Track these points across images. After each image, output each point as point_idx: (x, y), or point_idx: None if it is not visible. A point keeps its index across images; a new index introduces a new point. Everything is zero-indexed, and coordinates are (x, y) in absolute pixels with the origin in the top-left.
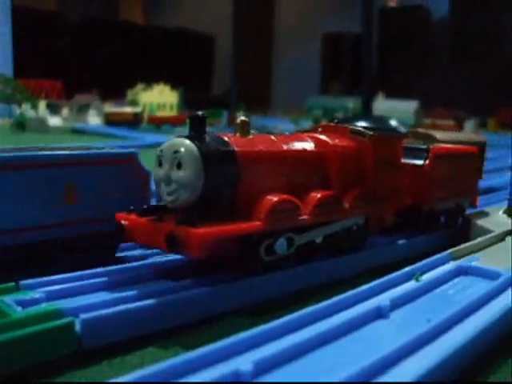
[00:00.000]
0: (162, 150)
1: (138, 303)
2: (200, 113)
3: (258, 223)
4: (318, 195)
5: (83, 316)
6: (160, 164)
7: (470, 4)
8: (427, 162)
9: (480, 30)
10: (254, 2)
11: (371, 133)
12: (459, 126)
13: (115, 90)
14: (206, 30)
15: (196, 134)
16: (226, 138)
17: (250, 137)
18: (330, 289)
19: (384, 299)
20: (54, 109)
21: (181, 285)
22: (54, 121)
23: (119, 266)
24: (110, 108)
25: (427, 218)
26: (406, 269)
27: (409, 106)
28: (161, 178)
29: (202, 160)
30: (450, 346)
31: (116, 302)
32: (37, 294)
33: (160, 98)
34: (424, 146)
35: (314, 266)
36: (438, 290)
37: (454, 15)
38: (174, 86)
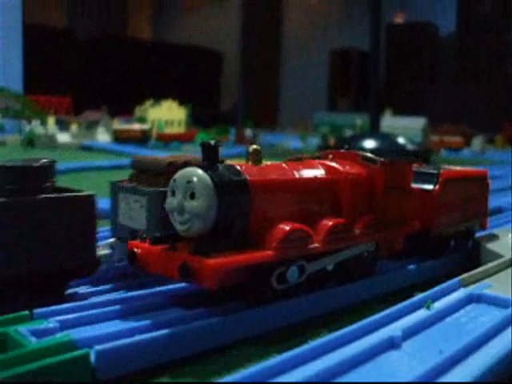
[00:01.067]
0: (175, 180)
1: (153, 333)
2: (212, 142)
3: (270, 252)
4: (330, 223)
5: (98, 347)
6: (173, 193)
7: (478, 21)
8: (437, 186)
9: (487, 47)
10: (262, 18)
11: (382, 159)
12: (466, 143)
13: (124, 107)
14: (214, 47)
15: (209, 164)
16: (238, 167)
17: (262, 165)
18: (342, 316)
19: (396, 329)
20: (62, 125)
21: (193, 313)
22: (63, 137)
23: (132, 293)
24: (119, 125)
25: (436, 243)
26: (417, 297)
27: (417, 123)
28: (174, 208)
29: (215, 190)
30: (463, 379)
31: (130, 332)
32: (51, 324)
33: (168, 114)
34: (434, 171)
35: (325, 294)
36: (449, 319)
37: (462, 32)
38: (182, 103)
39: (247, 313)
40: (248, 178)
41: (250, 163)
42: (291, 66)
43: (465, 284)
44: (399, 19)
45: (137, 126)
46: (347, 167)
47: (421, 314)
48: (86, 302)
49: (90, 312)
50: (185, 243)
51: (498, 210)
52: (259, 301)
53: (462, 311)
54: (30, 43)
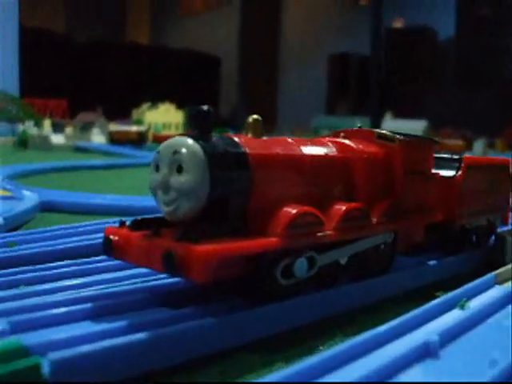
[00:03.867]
0: (159, 152)
1: (127, 337)
2: (204, 107)
3: (273, 240)
4: (344, 207)
5: (53, 356)
6: (157, 168)
7: (477, 25)
8: (459, 172)
9: (486, 51)
10: (260, 23)
11: (401, 137)
12: (467, 146)
13: (121, 110)
14: (212, 51)
15: (200, 133)
16: (236, 139)
17: (264, 138)
18: (357, 317)
19: (430, 333)
20: (58, 128)
21: (180, 314)
22: (57, 139)
23: (105, 291)
24: (115, 127)
25: (457, 236)
26: (448, 295)
27: (417, 126)
28: (158, 185)
29: (208, 163)
30: None
31: (100, 336)
32: (1, 325)
33: (165, 117)
34: (456, 156)
35: (339, 291)
36: (491, 320)
37: (461, 36)
38: (179, 106)
39: (246, 313)
40: (248, 150)
41: (249, 135)
42: (290, 70)
43: (500, 281)
44: (398, 24)
45: (133, 128)
46: (361, 146)
47: (455, 314)
48: (48, 299)
49: (51, 311)
50: (171, 229)
51: None
52: (261, 298)
53: (502, 312)
54: (28, 47)
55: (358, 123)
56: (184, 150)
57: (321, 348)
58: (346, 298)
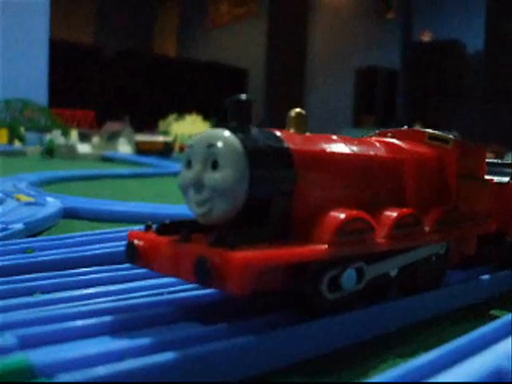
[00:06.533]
0: (191, 146)
1: (150, 358)
2: (244, 96)
3: (321, 247)
4: (395, 213)
5: (63, 379)
6: (189, 164)
7: (506, 39)
8: None
9: None
10: (288, 36)
11: (457, 139)
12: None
13: (148, 121)
14: (239, 64)
15: (239, 125)
16: (278, 133)
17: (308, 134)
18: (410, 336)
19: (501, 357)
20: (85, 137)
21: (213, 331)
22: (84, 148)
23: (126, 303)
24: (142, 137)
25: (510, 249)
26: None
27: None
28: (189, 183)
29: (247, 158)
30: None
31: (117, 356)
32: (9, 339)
33: (192, 128)
34: (509, 161)
35: (391, 307)
36: None
37: (490, 49)
38: (206, 117)
39: (288, 331)
40: (292, 146)
41: (291, 131)
42: (317, 82)
43: None
44: (426, 37)
45: (160, 138)
46: (412, 146)
47: None
48: (62, 310)
49: (66, 325)
50: (203, 233)
51: None
52: (305, 314)
53: None
54: (57, 58)
55: (406, 126)
56: (220, 144)
57: (373, 372)
58: (397, 314)
